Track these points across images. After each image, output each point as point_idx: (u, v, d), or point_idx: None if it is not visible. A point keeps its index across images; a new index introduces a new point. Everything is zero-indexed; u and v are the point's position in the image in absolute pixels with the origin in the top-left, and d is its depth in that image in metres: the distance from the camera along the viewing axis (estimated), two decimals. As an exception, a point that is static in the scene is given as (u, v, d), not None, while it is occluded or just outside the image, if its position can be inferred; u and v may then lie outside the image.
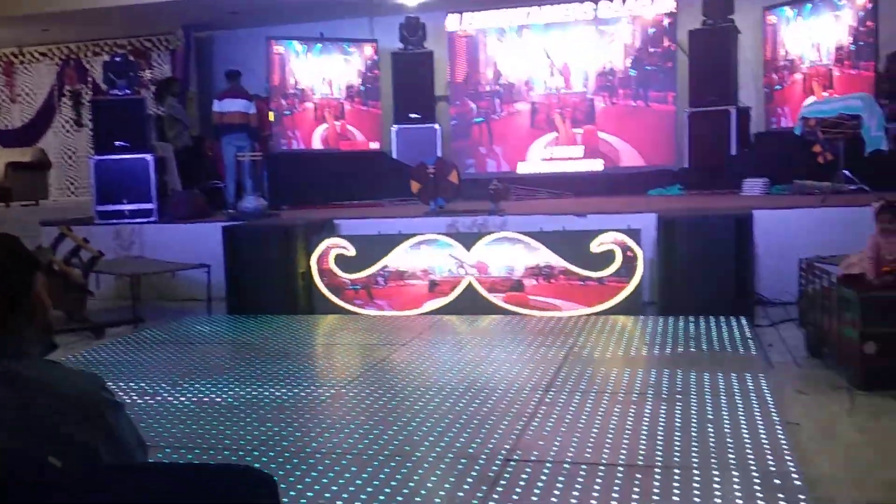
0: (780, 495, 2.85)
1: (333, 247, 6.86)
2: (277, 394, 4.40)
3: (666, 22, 10.55)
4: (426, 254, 6.70)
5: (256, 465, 3.31)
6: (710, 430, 3.56)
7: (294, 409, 4.13)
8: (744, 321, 5.76)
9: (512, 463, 3.27)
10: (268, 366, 5.04)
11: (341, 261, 6.83)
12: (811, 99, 9.15)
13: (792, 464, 3.14)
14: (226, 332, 6.36)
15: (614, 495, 2.91)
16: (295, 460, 3.38)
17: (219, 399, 4.34)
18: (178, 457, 3.47)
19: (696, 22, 10.20)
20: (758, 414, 3.76)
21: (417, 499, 2.95)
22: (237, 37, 12.70)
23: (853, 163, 7.64)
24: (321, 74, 11.24)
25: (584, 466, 3.20)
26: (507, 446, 3.45)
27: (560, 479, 3.08)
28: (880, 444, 3.56)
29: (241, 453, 3.50)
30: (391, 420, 3.88)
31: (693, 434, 3.52)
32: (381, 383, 4.55)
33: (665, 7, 10.56)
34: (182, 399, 4.36)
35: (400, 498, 2.96)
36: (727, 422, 3.66)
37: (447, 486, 3.07)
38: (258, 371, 4.93)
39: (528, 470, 3.18)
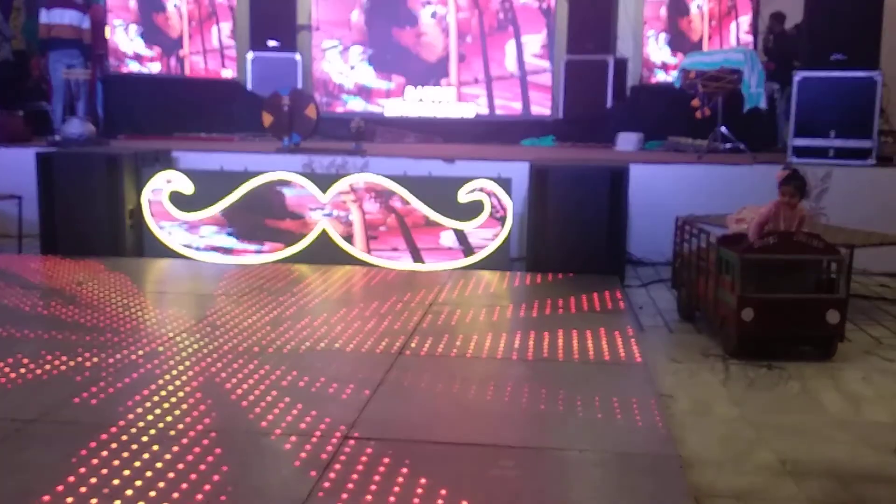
0: (658, 480, 2.45)
1: (168, 181, 6.04)
2: (76, 350, 3.66)
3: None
4: (277, 194, 6.00)
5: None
6: (577, 404, 3.12)
7: (94, 372, 3.41)
8: (615, 281, 5.42)
9: (351, 441, 2.71)
10: (70, 318, 4.28)
11: (176, 198, 6.02)
12: (692, 51, 8.90)
13: (670, 446, 2.74)
14: (29, 275, 5.43)
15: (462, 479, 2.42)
16: (83, 435, 2.70)
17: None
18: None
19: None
20: (629, 385, 3.36)
21: (228, 487, 2.35)
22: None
23: (730, 121, 7.42)
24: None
25: (432, 445, 2.69)
26: (346, 422, 2.88)
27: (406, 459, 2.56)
28: (757, 420, 3.23)
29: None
30: (209, 389, 3.24)
31: (558, 409, 3.07)
32: (204, 343, 3.87)
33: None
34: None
35: (208, 486, 2.36)
36: (593, 394, 3.22)
37: (268, 470, 2.48)
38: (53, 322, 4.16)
39: (367, 450, 2.63)
